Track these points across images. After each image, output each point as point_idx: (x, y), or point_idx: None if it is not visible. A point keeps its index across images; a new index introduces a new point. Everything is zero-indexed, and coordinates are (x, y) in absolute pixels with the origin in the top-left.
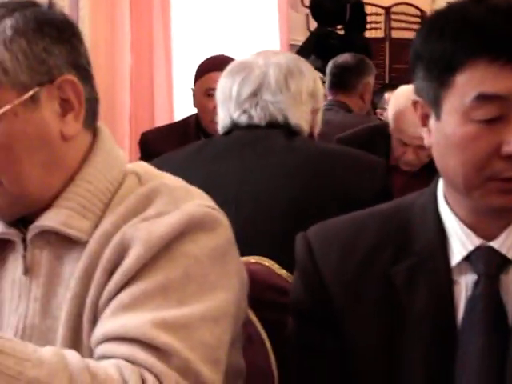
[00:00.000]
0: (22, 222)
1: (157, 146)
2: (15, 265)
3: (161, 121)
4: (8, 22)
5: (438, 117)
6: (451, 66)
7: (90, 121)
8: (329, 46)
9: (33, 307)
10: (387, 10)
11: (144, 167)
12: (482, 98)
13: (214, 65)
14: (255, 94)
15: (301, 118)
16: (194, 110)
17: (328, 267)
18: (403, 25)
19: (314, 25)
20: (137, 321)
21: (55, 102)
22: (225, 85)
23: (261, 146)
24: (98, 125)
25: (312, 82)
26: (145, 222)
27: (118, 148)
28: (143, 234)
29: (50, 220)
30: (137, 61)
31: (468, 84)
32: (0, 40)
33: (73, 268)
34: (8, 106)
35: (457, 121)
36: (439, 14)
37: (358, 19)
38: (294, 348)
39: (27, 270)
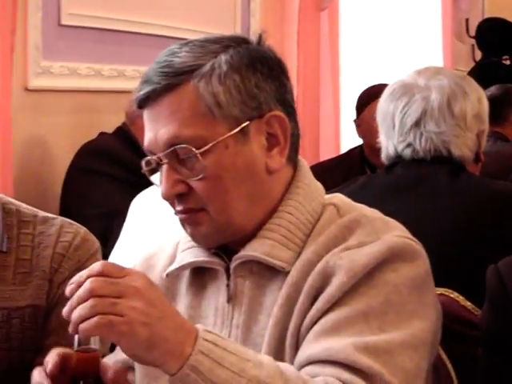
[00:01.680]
0: (224, 252)
1: (320, 181)
2: (218, 293)
3: (326, 154)
4: (223, 58)
5: None
6: None
7: (293, 155)
8: (494, 77)
9: (235, 334)
10: None
11: (341, 199)
12: None
13: (379, 93)
14: (418, 123)
15: (464, 147)
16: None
17: None
18: None
19: (479, 55)
20: (340, 345)
21: (263, 137)
22: (387, 109)
23: (425, 187)
24: (299, 158)
25: (477, 102)
26: (347, 251)
27: (316, 180)
28: (346, 262)
29: (254, 250)
30: (304, 93)
31: None
32: (215, 74)
33: (274, 297)
34: (220, 138)
35: None
36: None
37: None
38: (487, 378)
39: (230, 298)
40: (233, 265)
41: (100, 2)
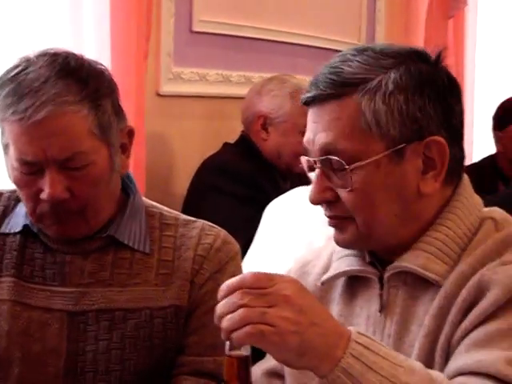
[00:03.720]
0: (378, 261)
1: None
2: (370, 301)
3: None
4: (392, 76)
5: None
6: None
7: (453, 178)
8: None
9: (386, 343)
10: None
11: (500, 213)
12: None
13: None
14: None
15: None
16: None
17: None
18: None
19: None
20: (491, 357)
21: (419, 159)
22: None
23: None
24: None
25: None
26: (503, 266)
27: (475, 194)
28: (502, 277)
29: (409, 262)
30: None
31: None
32: (380, 92)
33: (426, 308)
34: (374, 158)
35: None
36: None
37: None
38: None
39: (382, 308)
40: (386, 274)
41: (231, 9)
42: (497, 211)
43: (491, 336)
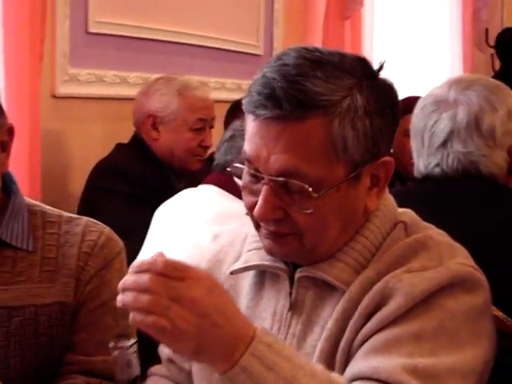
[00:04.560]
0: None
1: None
2: (278, 296)
3: None
4: (359, 99)
5: None
6: None
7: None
8: None
9: (290, 342)
10: None
11: (411, 216)
12: None
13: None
14: (445, 144)
15: (494, 165)
16: None
17: None
18: None
19: (498, 64)
20: (388, 364)
21: (369, 178)
22: (418, 125)
23: (455, 202)
24: None
25: (507, 116)
26: (408, 273)
27: (390, 196)
28: (406, 285)
29: (322, 270)
30: None
31: None
32: (350, 117)
33: (332, 309)
34: (337, 183)
35: None
36: None
37: None
38: None
39: (291, 306)
40: (298, 275)
41: (127, 10)
42: (407, 213)
43: (390, 342)
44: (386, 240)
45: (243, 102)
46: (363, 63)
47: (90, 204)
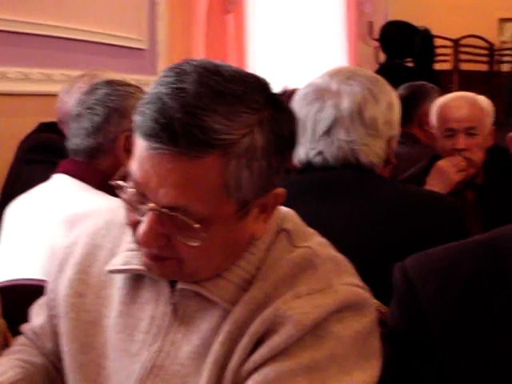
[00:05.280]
0: None
1: None
2: (158, 301)
3: None
4: (258, 139)
5: None
6: None
7: None
8: (398, 79)
9: (167, 350)
10: (456, 42)
11: (294, 222)
12: None
13: (289, 98)
14: (329, 131)
15: (373, 155)
16: None
17: (426, 295)
18: (471, 57)
19: (382, 57)
20: None
21: (258, 208)
22: (300, 113)
23: (334, 191)
24: None
25: (387, 108)
26: (298, 299)
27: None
28: (297, 313)
29: (205, 287)
30: None
31: None
32: (247, 158)
33: (213, 322)
34: (226, 218)
35: None
36: None
37: (427, 52)
38: (390, 375)
39: (171, 313)
40: (180, 286)
41: (13, 5)
42: (290, 218)
43: (282, 376)
44: (270, 251)
45: (134, 118)
46: (266, 93)
47: (17, 176)
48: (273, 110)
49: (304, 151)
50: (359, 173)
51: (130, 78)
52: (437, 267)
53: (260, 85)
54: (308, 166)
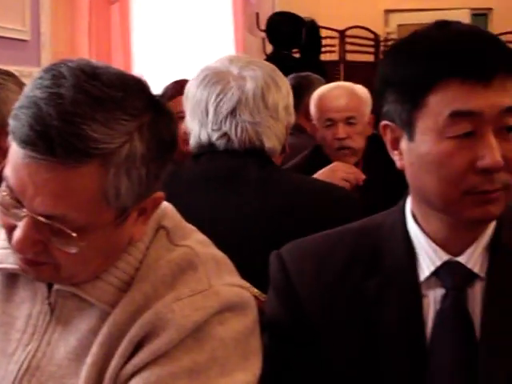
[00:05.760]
0: None
1: None
2: (34, 300)
3: None
4: (138, 146)
5: (411, 138)
6: (424, 88)
7: None
8: (285, 69)
9: (43, 350)
10: (342, 33)
11: (172, 219)
12: (456, 115)
13: (183, 88)
14: (234, 112)
15: (275, 139)
16: None
17: (302, 283)
18: (357, 48)
19: (270, 48)
20: None
21: (136, 212)
22: (200, 97)
23: (235, 181)
24: None
25: (287, 94)
26: (179, 302)
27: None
28: (178, 317)
29: (83, 289)
30: None
31: (441, 103)
32: (126, 167)
33: (90, 324)
34: (104, 226)
35: (432, 139)
36: (405, 41)
37: (314, 42)
38: (270, 364)
39: (47, 313)
40: (56, 287)
41: None
42: (169, 215)
43: (163, 379)
44: (149, 250)
45: (9, 121)
46: (146, 96)
47: None
48: (153, 113)
49: (206, 134)
50: (260, 162)
51: (13, 69)
52: (312, 254)
53: (139, 88)
54: (209, 149)
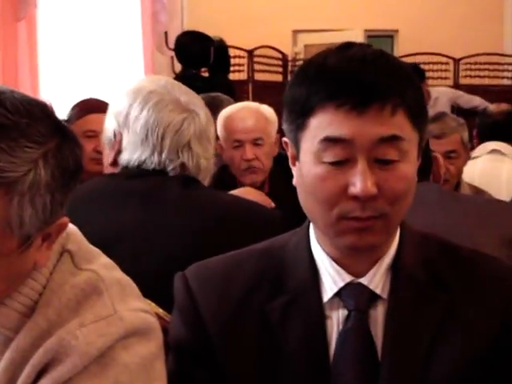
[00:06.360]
0: None
1: None
2: None
3: None
4: (43, 175)
5: (298, 158)
6: (306, 110)
7: None
8: (194, 88)
9: None
10: (250, 52)
11: (78, 241)
12: (328, 141)
13: (93, 107)
14: (190, 144)
15: (208, 165)
16: None
17: (206, 305)
18: (265, 67)
19: (179, 67)
20: None
21: (40, 238)
22: (153, 121)
23: (157, 197)
24: None
25: (204, 116)
26: (83, 328)
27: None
28: (81, 343)
29: None
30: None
31: (318, 127)
32: (30, 195)
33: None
34: (6, 255)
35: (310, 162)
36: (305, 62)
37: (222, 62)
38: None
39: None
40: None
41: None
42: (73, 240)
43: None
44: (53, 274)
45: None
46: (51, 121)
47: None
48: (58, 139)
49: (157, 159)
50: (183, 181)
51: None
52: (217, 275)
53: (44, 114)
54: (138, 169)
